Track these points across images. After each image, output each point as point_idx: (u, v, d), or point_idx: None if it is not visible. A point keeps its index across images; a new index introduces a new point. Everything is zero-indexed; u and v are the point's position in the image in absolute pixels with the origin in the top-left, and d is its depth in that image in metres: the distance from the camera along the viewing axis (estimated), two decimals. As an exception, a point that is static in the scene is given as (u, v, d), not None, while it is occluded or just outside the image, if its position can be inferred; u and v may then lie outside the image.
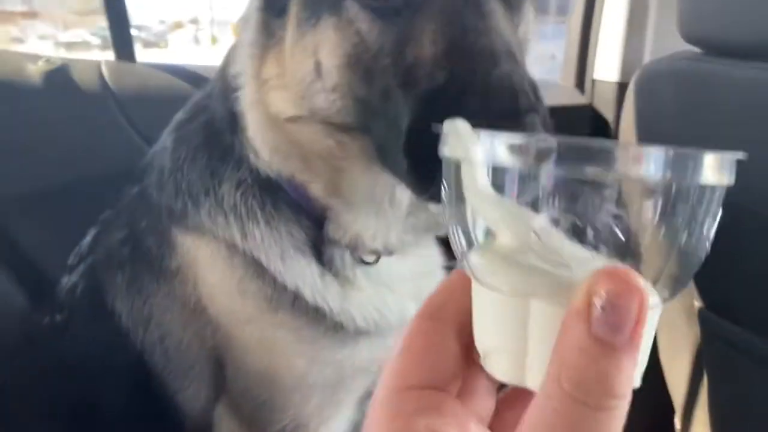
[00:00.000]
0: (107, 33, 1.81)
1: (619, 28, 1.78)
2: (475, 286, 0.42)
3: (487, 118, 0.63)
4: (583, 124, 1.88)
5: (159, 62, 1.86)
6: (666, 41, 1.68)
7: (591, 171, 0.34)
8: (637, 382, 0.37)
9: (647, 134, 1.49)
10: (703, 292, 1.52)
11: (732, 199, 1.31)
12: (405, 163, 0.73)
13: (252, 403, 1.10)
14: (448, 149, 0.41)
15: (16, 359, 1.36)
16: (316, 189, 0.99)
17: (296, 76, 0.90)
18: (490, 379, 0.43)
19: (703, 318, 1.55)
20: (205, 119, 1.11)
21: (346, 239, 1.01)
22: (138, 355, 1.18)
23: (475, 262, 0.41)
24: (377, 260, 1.03)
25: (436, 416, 0.40)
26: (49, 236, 1.65)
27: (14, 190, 1.63)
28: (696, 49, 1.39)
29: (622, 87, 1.75)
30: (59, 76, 1.66)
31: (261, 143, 1.00)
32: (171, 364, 1.18)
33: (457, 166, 0.40)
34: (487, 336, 0.42)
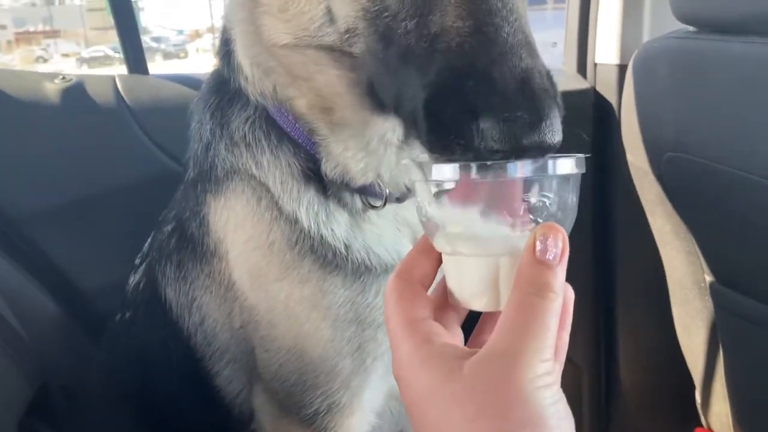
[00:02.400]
0: (128, 46, 1.87)
1: (617, 11, 1.79)
2: (450, 257, 0.65)
3: (509, 126, 0.65)
4: (587, 108, 1.90)
5: (170, 73, 1.92)
6: (663, 22, 1.69)
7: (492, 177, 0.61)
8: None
9: (647, 112, 1.51)
10: (714, 266, 1.53)
11: (737, 172, 1.32)
12: (424, 125, 0.73)
13: (284, 385, 1.13)
14: (412, 175, 0.66)
15: (95, 357, 1.46)
16: (300, 105, 1.00)
17: (302, 18, 0.89)
18: (456, 313, 0.70)
19: (715, 292, 1.55)
20: (214, 73, 1.17)
21: (337, 172, 1.03)
22: (186, 341, 1.24)
23: (444, 243, 0.65)
24: (384, 205, 1.06)
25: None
26: (75, 246, 1.73)
27: (41, 205, 1.70)
28: (690, 28, 1.41)
29: (622, 69, 1.76)
30: (75, 92, 1.73)
31: (243, 57, 1.03)
32: (210, 348, 1.23)
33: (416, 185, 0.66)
34: (468, 285, 0.64)
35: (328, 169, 1.03)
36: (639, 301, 2.03)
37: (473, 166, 0.61)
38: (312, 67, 0.94)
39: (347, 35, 0.86)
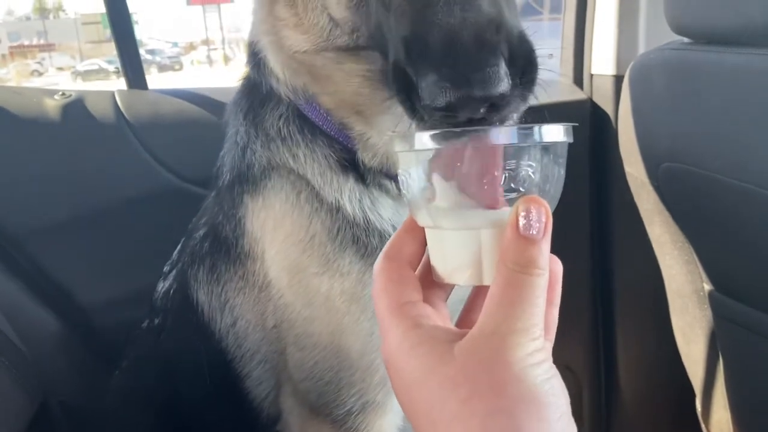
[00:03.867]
0: (123, 60, 1.88)
1: (612, 22, 1.82)
2: (433, 232, 0.64)
3: (443, 84, 0.66)
4: (584, 119, 1.92)
5: (169, 88, 1.93)
6: (659, 33, 1.71)
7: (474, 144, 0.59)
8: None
9: (643, 122, 1.52)
10: (712, 275, 1.54)
11: (732, 181, 1.33)
12: (393, 89, 0.77)
13: (318, 384, 1.13)
14: (395, 147, 0.64)
15: (123, 362, 1.46)
16: (327, 102, 1.05)
17: (316, 27, 0.98)
18: (442, 289, 0.68)
19: (714, 300, 1.56)
20: (244, 80, 1.21)
21: (376, 162, 1.06)
22: (217, 343, 1.25)
23: (426, 217, 0.63)
24: None
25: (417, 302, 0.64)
26: (75, 262, 1.73)
27: (41, 221, 1.70)
28: (685, 39, 1.42)
29: (619, 80, 1.78)
30: (75, 108, 1.73)
31: (274, 62, 1.08)
32: (241, 350, 1.23)
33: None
34: (451, 260, 0.63)
35: (366, 158, 1.06)
36: (638, 310, 2.04)
37: (454, 133, 0.60)
38: (332, 66, 1.00)
39: (354, 35, 0.93)
